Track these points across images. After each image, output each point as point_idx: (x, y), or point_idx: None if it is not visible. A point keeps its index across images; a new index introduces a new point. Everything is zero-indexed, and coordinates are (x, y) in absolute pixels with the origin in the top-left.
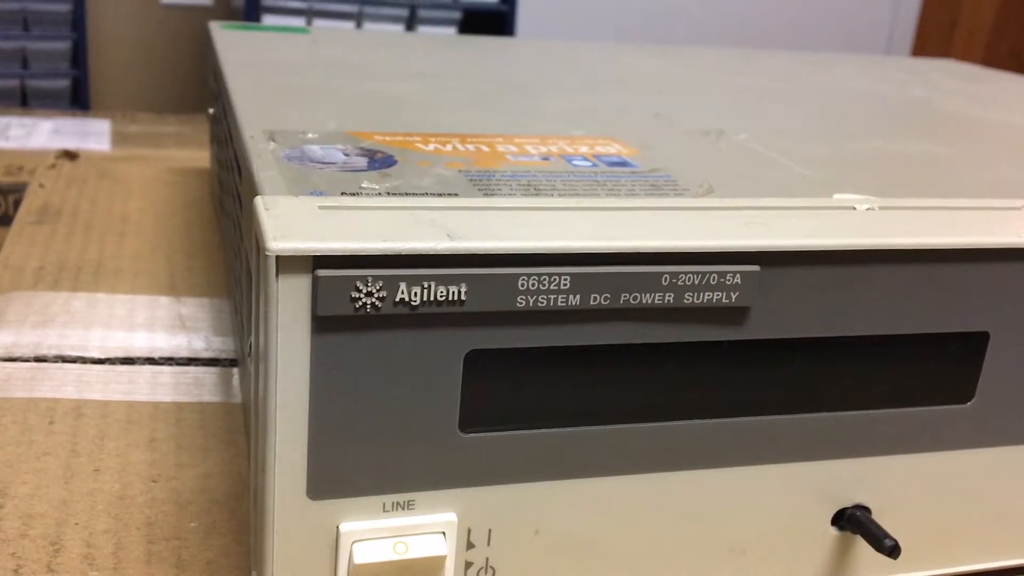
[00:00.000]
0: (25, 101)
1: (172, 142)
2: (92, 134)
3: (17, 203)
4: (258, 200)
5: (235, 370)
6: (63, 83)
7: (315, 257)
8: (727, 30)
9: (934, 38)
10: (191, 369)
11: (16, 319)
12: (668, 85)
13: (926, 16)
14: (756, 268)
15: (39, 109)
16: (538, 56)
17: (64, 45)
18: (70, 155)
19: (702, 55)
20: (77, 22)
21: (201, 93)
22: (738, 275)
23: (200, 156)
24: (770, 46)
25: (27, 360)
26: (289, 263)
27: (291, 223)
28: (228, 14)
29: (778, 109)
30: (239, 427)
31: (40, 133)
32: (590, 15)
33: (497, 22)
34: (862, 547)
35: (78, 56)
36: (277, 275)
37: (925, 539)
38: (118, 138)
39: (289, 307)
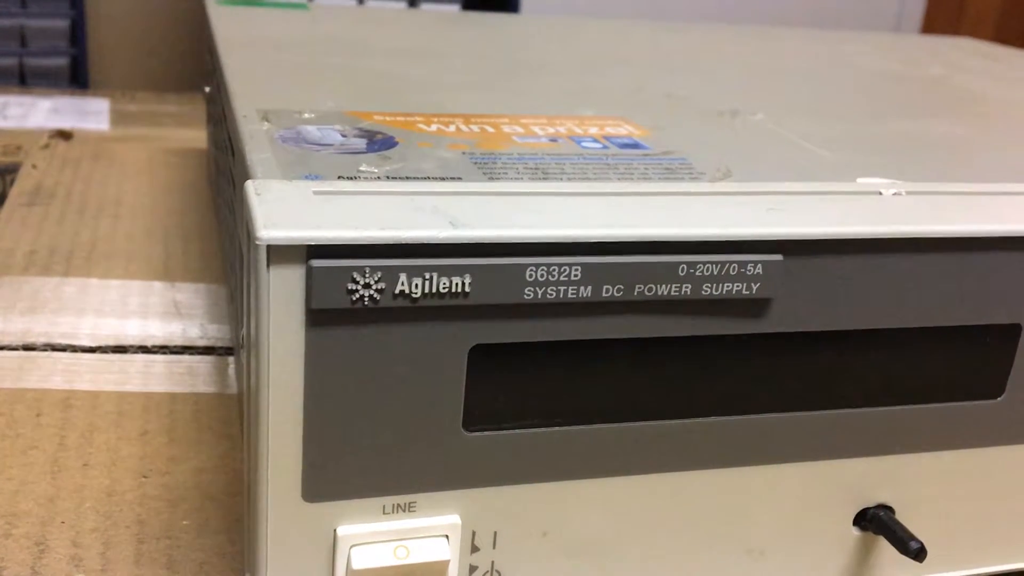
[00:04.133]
0: (23, 80)
1: (172, 121)
2: (91, 113)
3: (15, 183)
4: (249, 184)
5: (231, 359)
6: (62, 61)
7: (309, 246)
8: (735, 6)
9: (943, 16)
10: (185, 358)
11: (4, 305)
12: (679, 63)
13: None
14: (779, 257)
15: (37, 88)
16: (544, 33)
17: (63, 23)
18: (64, 135)
19: (713, 32)
20: None
21: (202, 71)
22: (759, 265)
23: (199, 136)
24: (778, 23)
25: (15, 348)
26: (281, 253)
27: (284, 209)
28: None
29: (794, 88)
30: (234, 419)
31: (38, 112)
32: None
33: None
34: (885, 548)
35: (77, 34)
36: (268, 265)
37: (951, 540)
38: (117, 117)
39: (281, 300)
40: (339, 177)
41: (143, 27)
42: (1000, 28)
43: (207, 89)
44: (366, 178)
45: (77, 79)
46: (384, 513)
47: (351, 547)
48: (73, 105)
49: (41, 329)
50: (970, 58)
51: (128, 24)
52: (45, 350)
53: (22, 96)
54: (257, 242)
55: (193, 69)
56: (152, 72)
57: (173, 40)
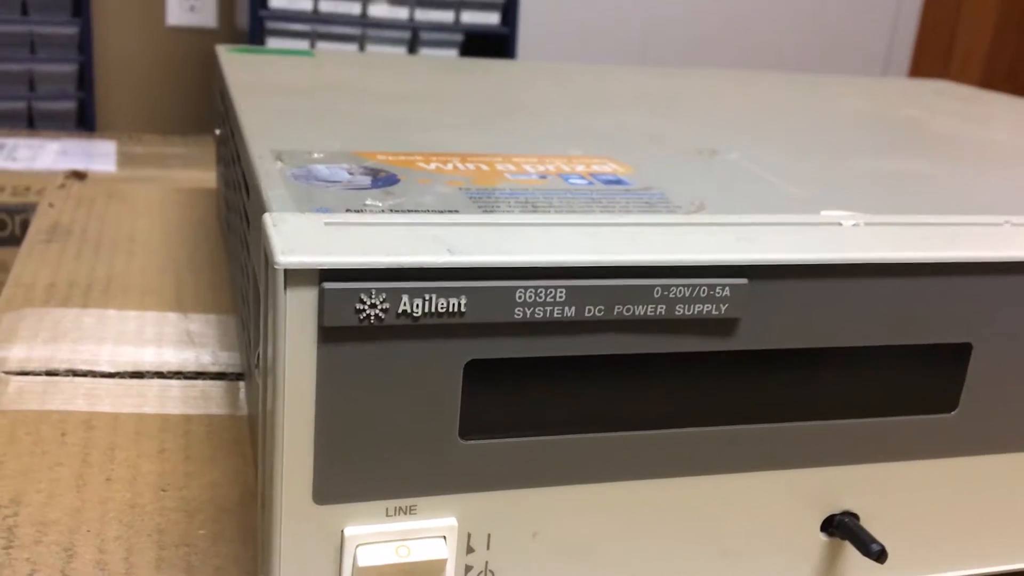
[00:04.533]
0: (32, 123)
1: (177, 163)
2: (98, 155)
3: (24, 223)
4: (267, 217)
5: (241, 384)
6: (69, 105)
7: (322, 270)
8: (725, 54)
9: (931, 61)
10: (199, 383)
11: (28, 334)
12: (664, 106)
13: (923, 39)
14: (744, 281)
15: (46, 131)
16: (537, 78)
17: (71, 67)
18: (79, 175)
19: (698, 77)
20: (84, 45)
21: (206, 114)
22: (727, 288)
23: (205, 177)
24: (770, 68)
25: (39, 374)
26: (297, 276)
27: (298, 238)
28: (233, 36)
29: (771, 129)
30: (246, 438)
31: (47, 154)
32: (589, 38)
33: (498, 44)
34: (851, 552)
35: (84, 78)
36: (285, 288)
37: (912, 544)
38: (124, 159)
39: (296, 319)
40: (347, 210)
41: (149, 73)
42: (987, 70)
43: (217, 132)
44: (372, 211)
45: (84, 122)
46: (387, 515)
47: (357, 546)
48: (81, 147)
49: (63, 356)
50: (946, 100)
51: (134, 70)
52: (67, 375)
53: (31, 139)
54: (276, 267)
55: (197, 113)
56: (157, 115)
57: (177, 85)
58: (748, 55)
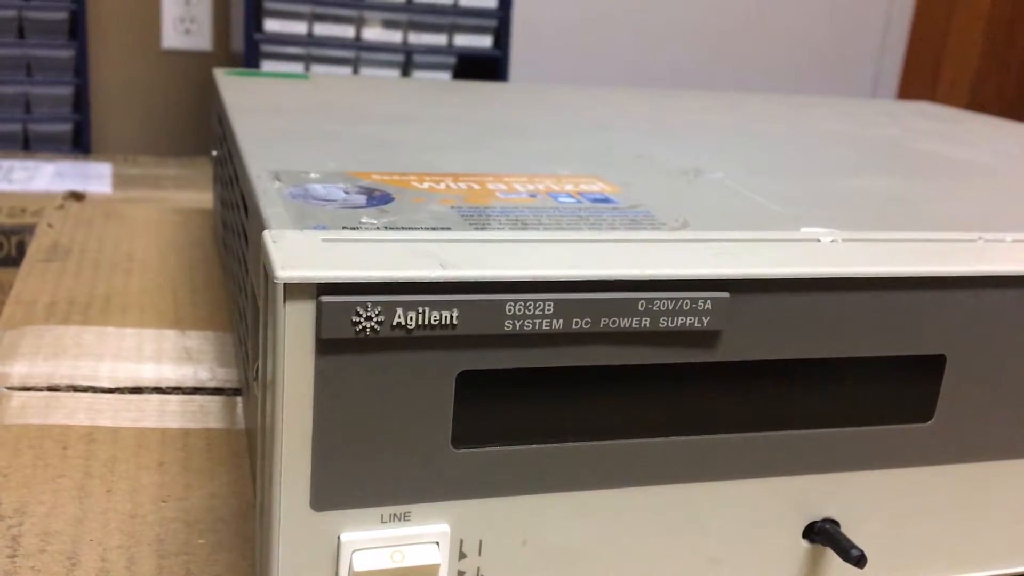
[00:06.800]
0: (27, 145)
1: (172, 184)
2: (93, 177)
3: (20, 244)
4: (266, 234)
5: (239, 399)
6: (65, 127)
7: (319, 284)
8: (714, 76)
9: (919, 83)
10: (197, 398)
11: (30, 351)
12: (652, 127)
13: (910, 63)
14: (725, 295)
15: (41, 152)
16: (529, 100)
17: (66, 90)
18: (77, 196)
19: (686, 99)
20: (79, 68)
21: (201, 137)
22: (709, 301)
23: (200, 198)
24: (755, 91)
25: (41, 390)
26: (295, 290)
27: (297, 254)
28: (227, 60)
29: (756, 149)
30: (243, 452)
31: (42, 176)
32: (580, 61)
33: (490, 67)
34: (831, 558)
35: (80, 101)
36: (284, 301)
37: (891, 550)
38: (119, 181)
39: (295, 331)
40: (343, 227)
41: (144, 95)
42: (975, 92)
43: (214, 153)
44: (367, 228)
45: (80, 144)
46: (382, 522)
47: (353, 552)
48: (76, 169)
49: (64, 372)
50: (926, 121)
51: (129, 92)
52: (69, 391)
53: (26, 160)
54: (275, 281)
55: (191, 135)
56: (152, 137)
57: (172, 108)
58: (737, 78)
